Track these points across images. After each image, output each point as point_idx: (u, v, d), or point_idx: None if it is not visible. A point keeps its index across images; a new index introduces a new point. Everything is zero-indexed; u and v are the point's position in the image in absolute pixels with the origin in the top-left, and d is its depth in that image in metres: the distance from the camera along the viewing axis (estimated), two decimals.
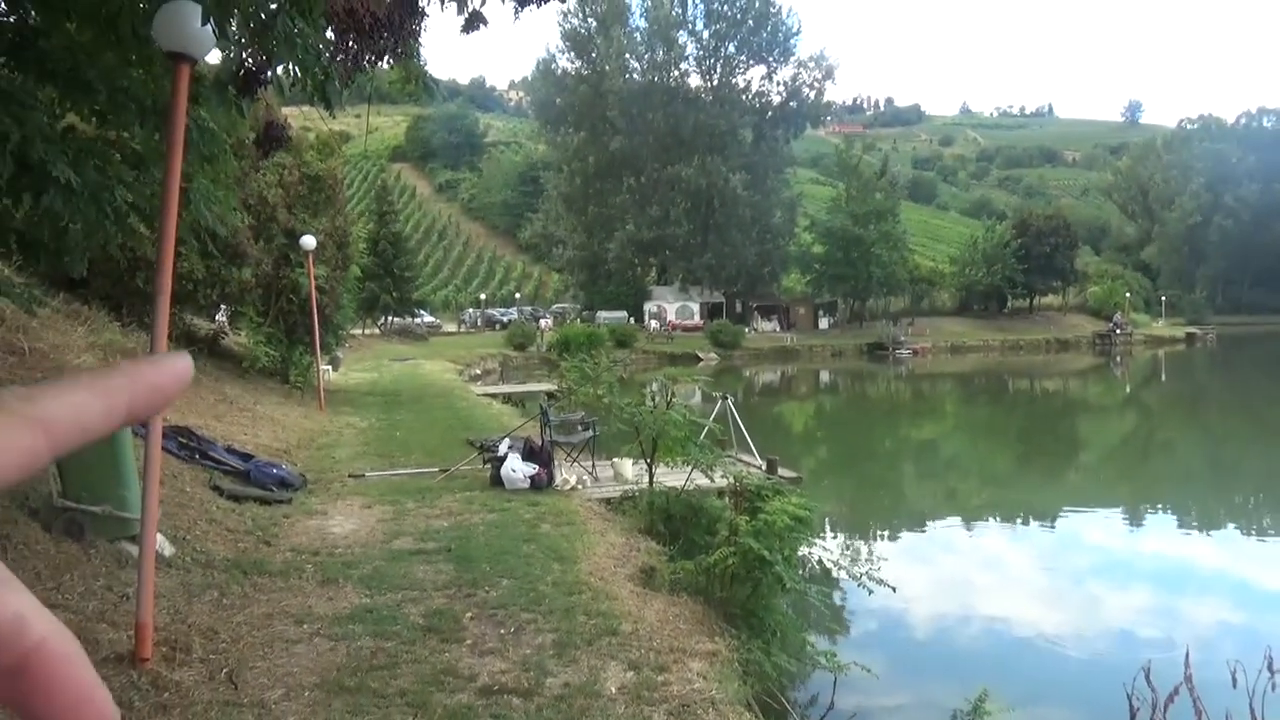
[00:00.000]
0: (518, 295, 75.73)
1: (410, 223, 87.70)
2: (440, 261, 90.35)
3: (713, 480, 8.93)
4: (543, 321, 52.43)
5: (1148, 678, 3.89)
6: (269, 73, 4.15)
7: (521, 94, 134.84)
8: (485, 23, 5.01)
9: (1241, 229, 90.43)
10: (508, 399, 23.12)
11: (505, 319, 56.50)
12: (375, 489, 9.83)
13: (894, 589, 6.05)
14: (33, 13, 5.84)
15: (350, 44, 4.76)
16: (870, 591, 6.07)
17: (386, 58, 5.70)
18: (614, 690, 4.73)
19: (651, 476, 9.36)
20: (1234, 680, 3.88)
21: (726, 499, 8.48)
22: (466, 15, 4.87)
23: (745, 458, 10.59)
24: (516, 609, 5.90)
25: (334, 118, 6.27)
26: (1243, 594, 10.60)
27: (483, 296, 71.78)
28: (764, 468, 9.88)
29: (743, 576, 6.16)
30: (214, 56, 5.23)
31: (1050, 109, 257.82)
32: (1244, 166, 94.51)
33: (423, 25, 5.27)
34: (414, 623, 5.62)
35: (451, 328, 57.62)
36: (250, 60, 4.15)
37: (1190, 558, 12.49)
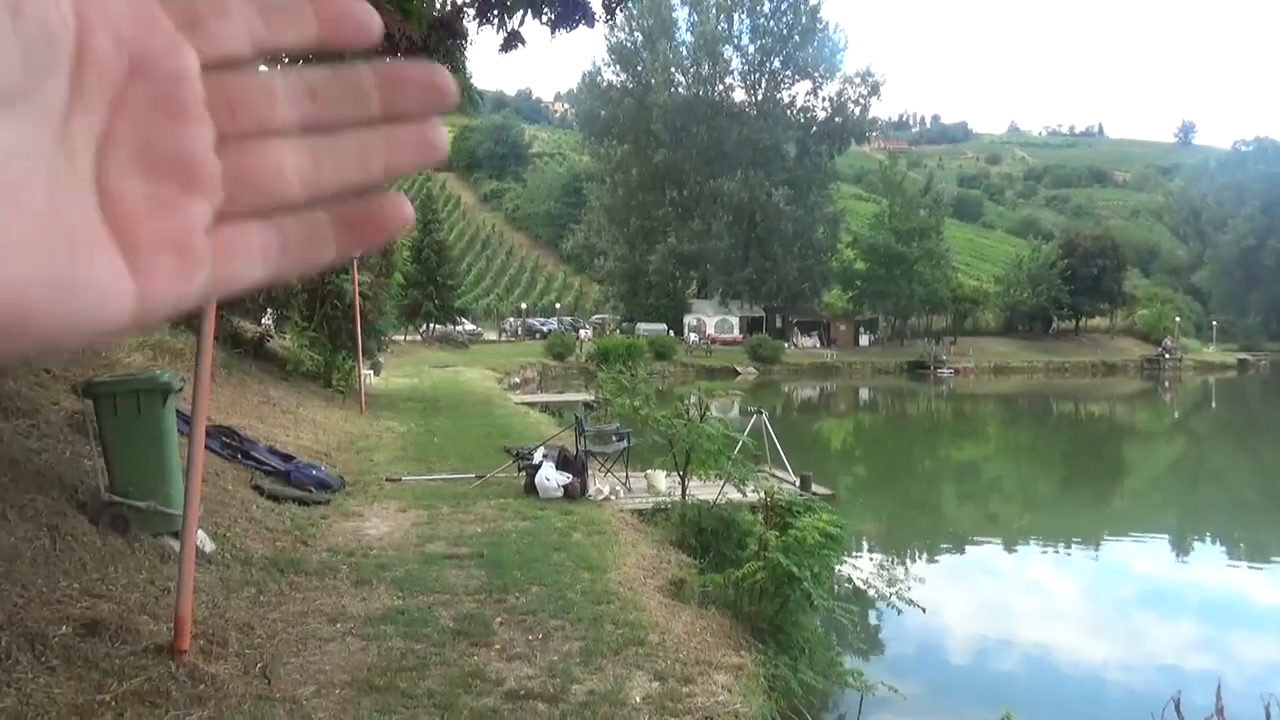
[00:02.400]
0: (558, 305, 76.19)
1: (454, 231, 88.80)
2: (483, 270, 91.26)
3: (745, 495, 8.92)
4: (582, 332, 52.69)
5: (1177, 708, 3.84)
6: None
7: (567, 106, 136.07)
8: (523, 42, 5.13)
9: None
10: (545, 408, 23.26)
11: (545, 329, 56.88)
12: (412, 493, 9.97)
13: (924, 610, 6.01)
14: None
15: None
16: (899, 611, 6.03)
17: None
18: (638, 699, 4.77)
19: (684, 489, 9.38)
20: (1267, 714, 3.82)
21: (758, 514, 8.48)
22: (505, 35, 4.98)
23: (779, 473, 10.56)
24: (545, 615, 5.95)
25: None
26: None
27: (523, 306, 72.35)
28: (797, 484, 9.86)
29: (771, 592, 6.16)
30: None
31: (1100, 128, 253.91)
32: None
33: (464, 45, 5.39)
34: (444, 626, 5.70)
35: (492, 336, 58.13)
36: None
37: (1236, 590, 12.17)
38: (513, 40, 4.97)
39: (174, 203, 0.31)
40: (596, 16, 5.30)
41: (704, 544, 8.34)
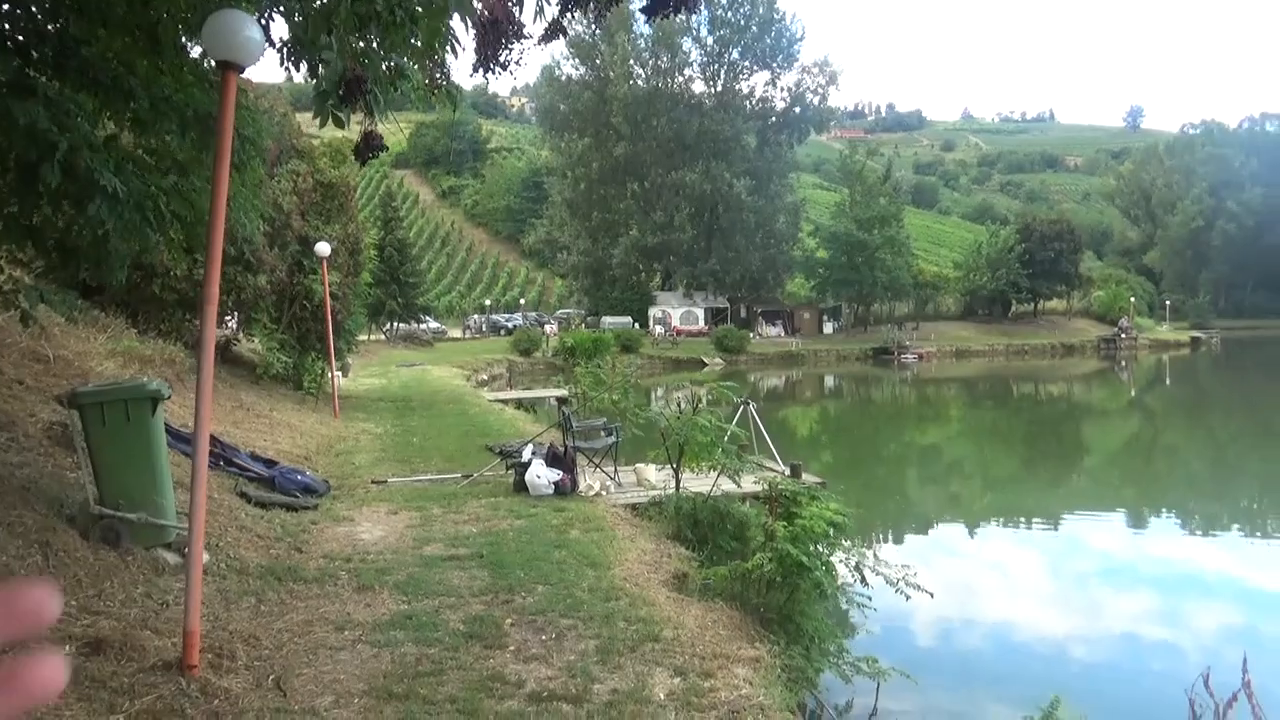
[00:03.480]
0: (522, 301, 75.82)
1: (414, 229, 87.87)
2: (444, 268, 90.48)
3: (739, 485, 8.92)
4: (547, 327, 52.48)
5: (1206, 683, 3.89)
6: (368, 81, 4.17)
7: (524, 100, 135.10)
8: (565, 33, 5.04)
9: (1244, 233, 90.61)
10: (519, 404, 23.12)
11: (510, 325, 56.58)
12: (399, 495, 9.83)
13: (932, 594, 6.04)
14: (70, 21, 5.86)
15: (486, 51, 4.79)
16: (908, 597, 6.05)
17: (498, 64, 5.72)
18: (662, 696, 4.73)
19: (678, 482, 9.35)
20: None
21: (757, 504, 8.47)
22: (546, 26, 4.89)
23: (768, 463, 10.58)
24: (555, 615, 5.89)
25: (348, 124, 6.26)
26: None
27: (487, 302, 71.88)
28: (787, 473, 9.87)
29: (779, 582, 6.15)
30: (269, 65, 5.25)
31: (1051, 114, 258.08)
32: (1246, 171, 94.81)
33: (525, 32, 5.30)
34: (455, 629, 5.61)
35: (456, 334, 57.68)
36: (352, 69, 4.15)
37: (1236, 567, 12.38)
38: (554, 31, 4.88)
39: None
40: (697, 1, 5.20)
41: (700, 536, 8.32)
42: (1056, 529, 14.49)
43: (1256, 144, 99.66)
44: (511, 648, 5.37)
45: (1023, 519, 15.13)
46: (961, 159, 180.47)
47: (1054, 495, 17.80)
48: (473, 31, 4.69)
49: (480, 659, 5.17)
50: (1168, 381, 46.84)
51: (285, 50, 5.30)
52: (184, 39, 6.28)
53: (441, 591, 6.39)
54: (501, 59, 5.00)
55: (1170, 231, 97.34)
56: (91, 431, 6.19)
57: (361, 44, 4.35)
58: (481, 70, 5.18)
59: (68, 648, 4.68)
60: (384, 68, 4.59)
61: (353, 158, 5.12)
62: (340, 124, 4.68)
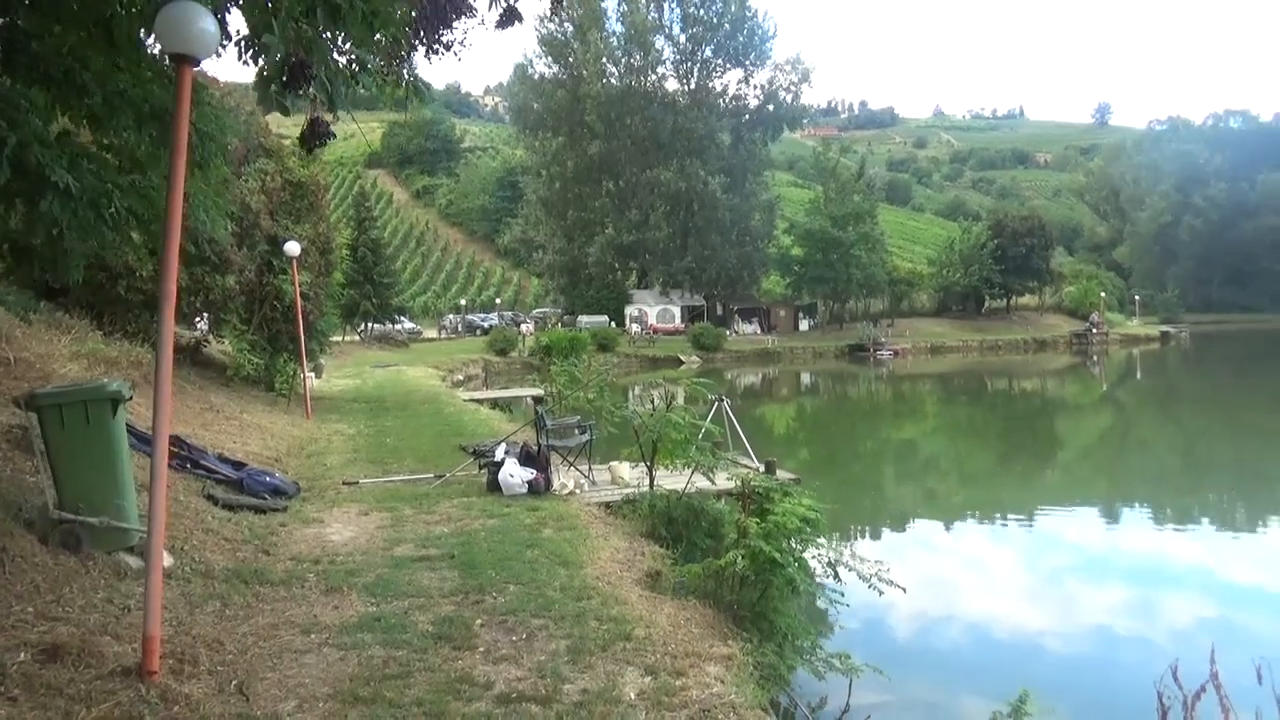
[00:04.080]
0: (498, 300, 75.51)
1: (388, 229, 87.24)
2: (419, 268, 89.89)
3: (713, 483, 8.89)
4: (524, 326, 52.32)
5: (1175, 675, 3.89)
6: (312, 67, 4.07)
7: (498, 99, 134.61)
8: (520, 19, 4.96)
9: (1210, 228, 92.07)
10: (495, 404, 23.00)
11: (486, 324, 56.35)
12: (371, 496, 9.71)
13: (904, 589, 6.04)
14: (20, 15, 5.72)
15: (428, 31, 4.70)
16: (880, 593, 6.04)
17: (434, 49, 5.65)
18: (633, 696, 4.68)
19: (652, 480, 9.31)
20: (1259, 677, 3.89)
21: (731, 501, 8.44)
22: (502, 11, 4.80)
23: (743, 460, 10.56)
24: (526, 615, 5.83)
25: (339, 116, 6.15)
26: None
27: (462, 302, 71.54)
28: (761, 469, 9.85)
29: (752, 579, 6.12)
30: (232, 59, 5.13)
31: (1021, 111, 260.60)
32: (1212, 167, 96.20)
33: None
34: (424, 630, 5.53)
35: (432, 334, 57.35)
36: (294, 54, 4.05)
37: (1206, 559, 12.49)
38: (509, 17, 4.79)
39: None
40: None
41: (675, 534, 8.29)
42: (1031, 523, 14.59)
43: (1221, 140, 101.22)
44: (481, 649, 5.30)
45: (997, 514, 15.22)
46: (934, 156, 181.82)
47: (1028, 490, 17.93)
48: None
49: (449, 660, 5.10)
50: (1139, 376, 47.43)
51: (243, 44, 5.20)
52: (140, 34, 6.16)
53: (411, 592, 6.31)
54: (444, 39, 4.91)
55: (1139, 227, 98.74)
56: (50, 434, 6.05)
57: (309, 29, 4.25)
58: (425, 51, 5.10)
59: (22, 655, 4.56)
60: (336, 57, 4.50)
61: (299, 145, 5.01)
62: (285, 111, 4.59)
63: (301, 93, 4.21)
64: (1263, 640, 8.59)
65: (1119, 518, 15.15)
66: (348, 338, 44.37)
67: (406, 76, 7.22)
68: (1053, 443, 25.46)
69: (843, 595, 6.14)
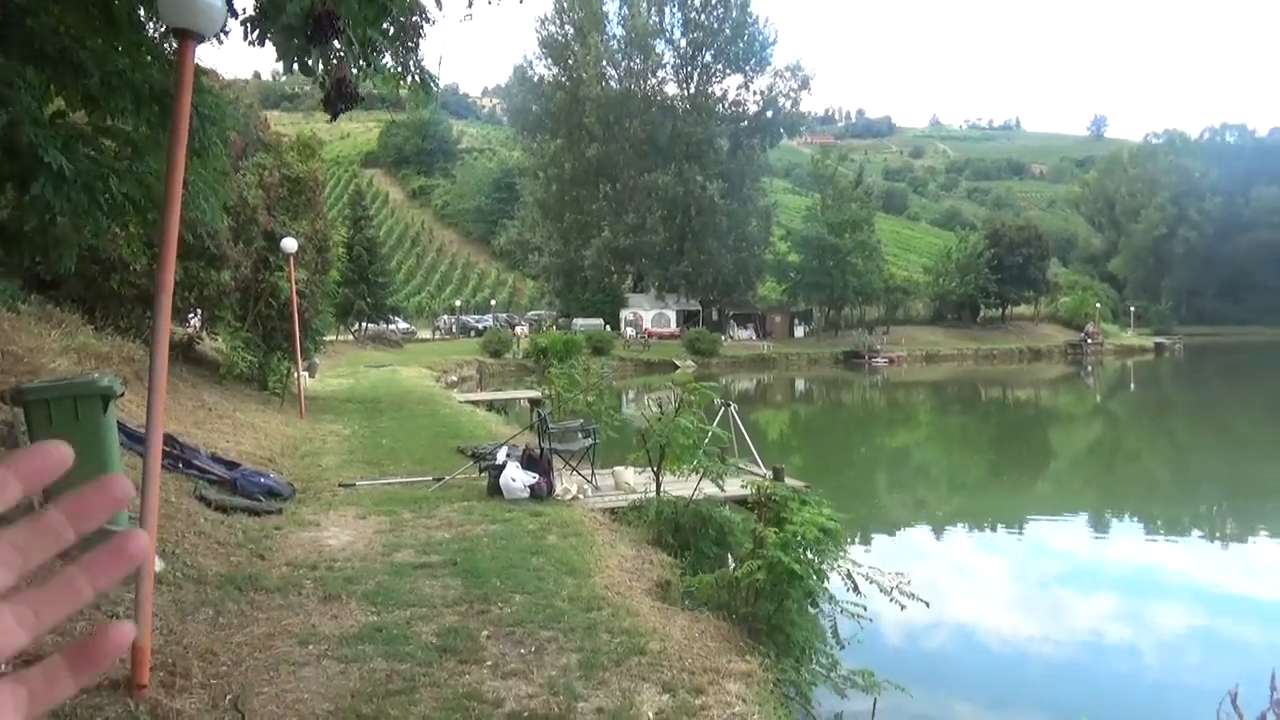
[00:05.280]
0: (493, 302, 75.19)
1: (383, 229, 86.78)
2: (414, 268, 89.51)
3: (721, 490, 8.65)
4: (518, 329, 52.04)
5: (1234, 703, 3.67)
6: (339, 18, 3.80)
7: (496, 101, 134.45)
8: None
9: (1205, 241, 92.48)
10: (491, 406, 22.72)
11: (480, 326, 56.04)
12: (368, 499, 9.44)
13: (928, 604, 5.80)
14: None
15: None
16: (903, 607, 5.80)
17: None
18: (651, 715, 4.43)
19: (659, 485, 9.06)
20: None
21: (739, 509, 8.21)
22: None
23: (750, 467, 10.31)
24: (535, 626, 5.57)
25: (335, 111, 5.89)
26: None
27: (457, 303, 71.20)
28: (769, 476, 9.60)
29: (769, 591, 5.88)
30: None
31: (1018, 122, 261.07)
32: (1207, 180, 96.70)
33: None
34: (428, 642, 5.27)
35: (426, 334, 57.02)
36: (321, 4, 3.79)
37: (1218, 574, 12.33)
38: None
39: None
40: None
41: (682, 542, 8.03)
42: (1024, 531, 14.42)
43: (1217, 154, 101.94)
44: (489, 662, 5.05)
45: (1002, 523, 15.00)
46: (930, 165, 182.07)
47: (1027, 499, 17.75)
48: None
49: (455, 675, 4.84)
50: (1132, 387, 47.37)
51: (249, 25, 4.95)
52: (141, 14, 5.91)
53: (413, 601, 6.04)
54: None
55: (1134, 239, 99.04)
56: (37, 431, 5.78)
57: None
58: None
59: (3, 666, 4.30)
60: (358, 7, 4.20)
61: (323, 109, 4.74)
62: (307, 70, 4.32)
63: (328, 48, 3.95)
64: (1254, 649, 8.46)
65: (1159, 531, 14.89)
66: (341, 337, 44.03)
67: (413, 69, 6.98)
68: (1049, 454, 25.29)
69: (865, 609, 5.88)
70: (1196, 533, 14.81)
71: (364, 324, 47.50)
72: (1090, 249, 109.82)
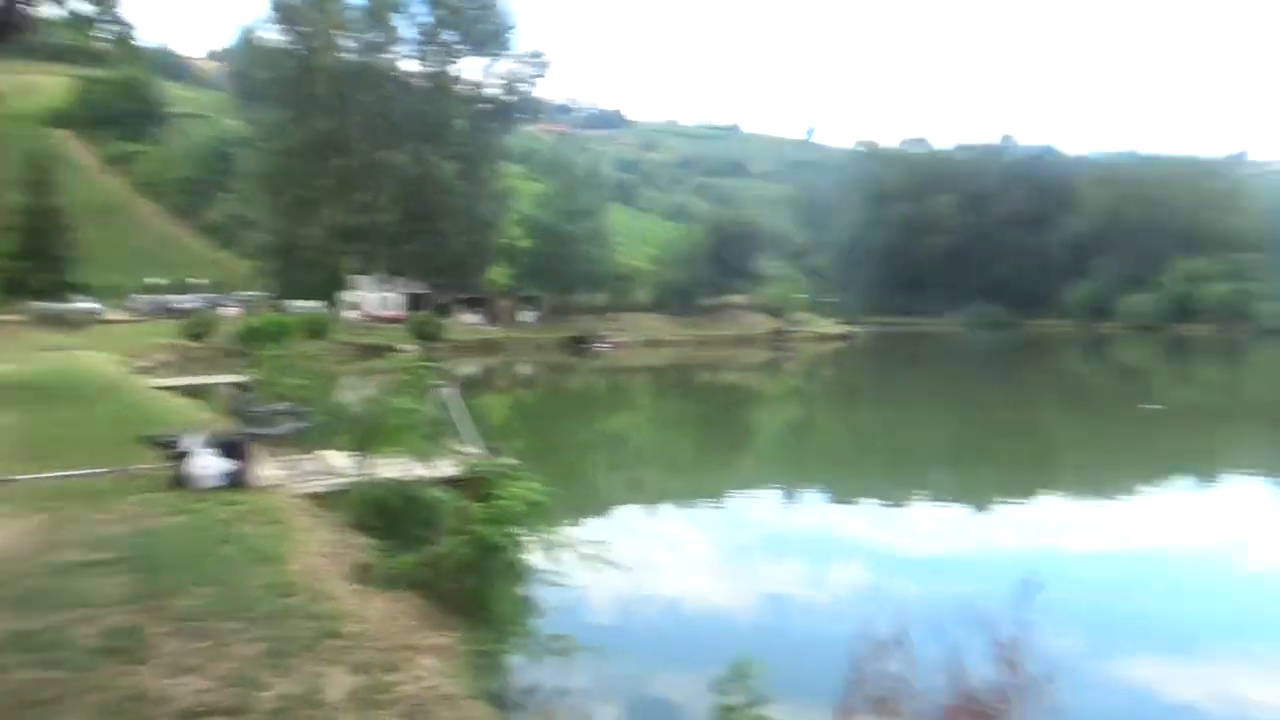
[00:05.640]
0: (201, 283, 68.85)
1: (71, 197, 76.60)
2: (106, 242, 79.78)
3: (432, 470, 8.55)
4: (227, 310, 48.23)
5: (869, 638, 4.25)
6: None
7: (219, 65, 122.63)
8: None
9: (892, 241, 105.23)
10: (189, 391, 20.85)
11: (184, 307, 51.15)
12: (27, 496, 8.35)
13: (629, 569, 6.11)
14: None
15: None
16: (600, 571, 6.07)
17: None
18: (339, 697, 4.32)
19: (366, 468, 8.79)
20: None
21: (450, 489, 8.15)
22: None
23: (468, 448, 10.27)
24: (218, 618, 5.22)
25: None
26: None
27: (162, 282, 64.42)
28: (484, 456, 9.62)
29: (473, 566, 5.92)
30: None
31: (738, 127, 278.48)
32: (895, 188, 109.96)
33: None
34: (88, 645, 4.78)
35: (118, 315, 51.11)
36: None
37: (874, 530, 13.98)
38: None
39: None
40: None
41: (389, 524, 7.86)
42: (725, 505, 15.81)
43: (907, 164, 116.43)
44: (161, 661, 4.67)
45: (707, 498, 16.14)
46: (661, 160, 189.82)
47: (730, 475, 19.29)
48: None
49: (118, 677, 4.43)
50: (826, 371, 52.58)
51: None
52: None
53: (74, 603, 5.44)
54: None
55: (834, 237, 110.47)
56: None
57: None
58: None
59: None
60: None
61: None
62: None
63: None
64: (907, 597, 9.84)
65: (851, 500, 16.65)
66: (10, 317, 38.51)
67: (117, 27, 6.23)
68: (748, 431, 27.58)
69: (562, 577, 6.09)
70: (870, 500, 16.77)
71: (40, 303, 41.82)
72: (799, 245, 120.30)
